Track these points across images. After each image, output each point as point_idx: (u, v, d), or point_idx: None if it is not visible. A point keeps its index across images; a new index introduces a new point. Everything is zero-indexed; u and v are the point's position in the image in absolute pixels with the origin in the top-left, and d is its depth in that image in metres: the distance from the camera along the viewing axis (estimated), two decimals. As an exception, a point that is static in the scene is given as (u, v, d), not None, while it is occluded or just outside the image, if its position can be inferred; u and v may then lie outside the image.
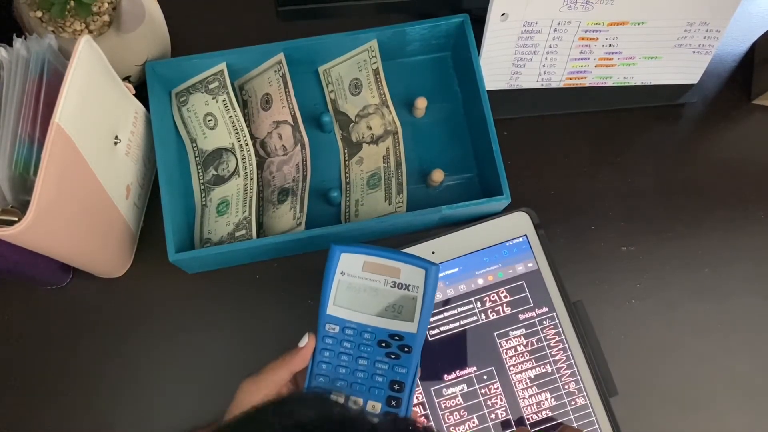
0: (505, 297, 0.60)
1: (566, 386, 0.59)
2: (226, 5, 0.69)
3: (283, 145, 0.63)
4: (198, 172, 0.64)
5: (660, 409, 0.58)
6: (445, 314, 0.60)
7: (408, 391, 0.48)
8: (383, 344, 0.48)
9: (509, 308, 0.60)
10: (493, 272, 0.61)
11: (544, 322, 0.60)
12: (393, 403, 0.48)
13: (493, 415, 0.58)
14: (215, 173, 0.63)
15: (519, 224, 0.62)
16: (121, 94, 0.55)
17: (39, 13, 0.55)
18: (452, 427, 0.58)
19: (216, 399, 0.49)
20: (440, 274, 0.60)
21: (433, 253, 0.61)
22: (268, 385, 0.48)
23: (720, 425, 0.61)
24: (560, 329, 0.60)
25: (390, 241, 0.63)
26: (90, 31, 0.56)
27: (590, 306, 0.61)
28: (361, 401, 0.48)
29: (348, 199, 0.64)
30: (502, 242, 0.61)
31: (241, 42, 0.62)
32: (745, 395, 0.62)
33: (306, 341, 0.49)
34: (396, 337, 0.48)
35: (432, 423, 0.57)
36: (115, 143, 0.55)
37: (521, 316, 0.60)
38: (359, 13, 0.62)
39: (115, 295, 0.62)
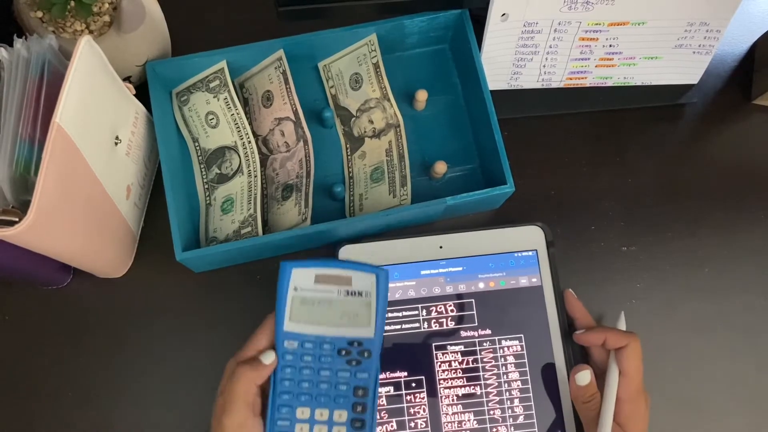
0: (452, 311, 0.59)
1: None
2: (226, 6, 0.69)
3: (285, 142, 0.63)
4: (201, 171, 0.64)
5: (659, 408, 0.58)
6: (404, 313, 0.59)
7: (371, 395, 0.48)
8: (343, 352, 0.48)
9: (453, 322, 0.59)
10: (496, 279, 0.60)
11: (486, 344, 0.59)
12: (359, 408, 0.48)
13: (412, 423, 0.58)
14: (218, 172, 0.63)
15: (531, 238, 0.61)
16: (121, 94, 0.55)
17: (39, 14, 0.55)
18: None
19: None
20: (443, 270, 0.60)
21: (440, 247, 0.61)
22: (241, 410, 0.47)
23: (720, 425, 0.61)
24: (524, 352, 0.59)
25: (397, 233, 0.63)
26: (90, 32, 0.56)
27: (590, 306, 0.61)
28: (327, 412, 0.48)
29: (352, 193, 0.64)
30: (511, 251, 0.61)
31: (241, 42, 0.62)
32: (745, 395, 0.62)
33: (272, 359, 0.48)
34: (355, 344, 0.48)
35: None
36: (116, 143, 0.55)
37: (463, 333, 0.59)
38: (360, 14, 0.62)
39: (115, 295, 0.62)
